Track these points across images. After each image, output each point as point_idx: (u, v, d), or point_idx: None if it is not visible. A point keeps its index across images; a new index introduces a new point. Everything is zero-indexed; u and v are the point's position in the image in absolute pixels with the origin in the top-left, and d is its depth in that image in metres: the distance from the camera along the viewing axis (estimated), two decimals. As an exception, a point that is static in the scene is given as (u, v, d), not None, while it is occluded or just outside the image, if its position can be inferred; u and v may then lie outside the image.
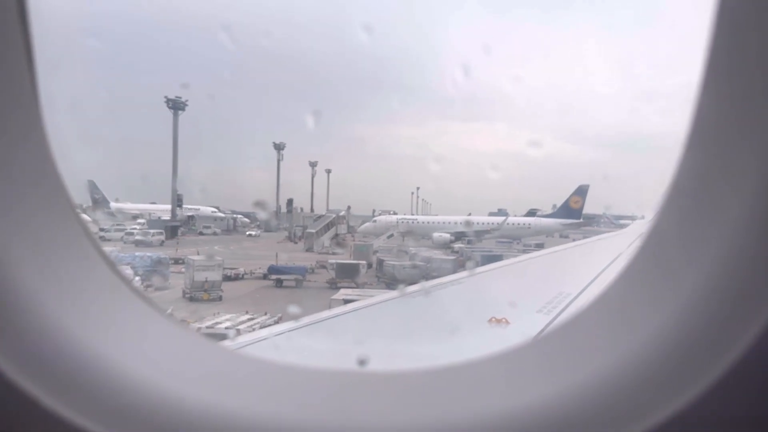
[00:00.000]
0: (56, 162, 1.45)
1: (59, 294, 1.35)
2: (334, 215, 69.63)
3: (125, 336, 1.48)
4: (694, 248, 1.22)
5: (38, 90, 1.39)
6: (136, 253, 41.24)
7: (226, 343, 5.43)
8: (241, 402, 1.39)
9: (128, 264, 35.91)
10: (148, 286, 35.68)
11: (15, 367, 1.22)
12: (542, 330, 5.94)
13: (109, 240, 50.24)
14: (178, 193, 74.16)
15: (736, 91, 1.15)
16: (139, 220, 70.28)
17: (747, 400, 1.14)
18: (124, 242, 52.47)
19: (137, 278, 33.86)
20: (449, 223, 73.65)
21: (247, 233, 76.36)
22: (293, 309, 21.70)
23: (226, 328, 24.50)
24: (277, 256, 47.90)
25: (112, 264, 1.58)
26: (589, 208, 79.80)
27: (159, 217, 74.51)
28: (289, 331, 6.67)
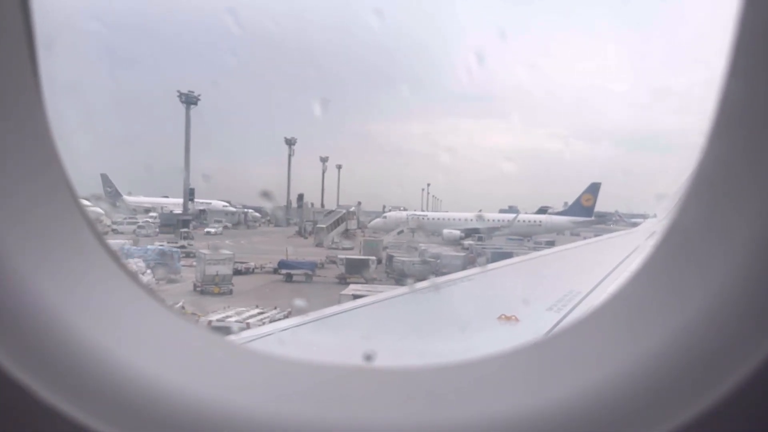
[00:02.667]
0: (59, 153, 1.43)
1: (60, 286, 1.33)
2: (344, 210, 69.73)
3: (127, 329, 1.46)
4: (719, 243, 1.18)
5: (40, 81, 1.37)
6: (148, 247, 41.63)
7: (235, 337, 5.44)
8: (246, 396, 1.38)
9: (140, 257, 36.32)
10: (159, 279, 36.07)
11: (15, 361, 1.20)
12: (552, 328, 5.89)
13: (121, 233, 50.77)
14: (190, 187, 74.63)
15: (759, 85, 1.10)
16: (151, 214, 70.90)
17: None
18: (136, 235, 52.91)
19: (148, 271, 34.22)
20: (459, 219, 73.56)
21: (205, 231, 64.95)
22: (302, 304, 21.77)
23: (236, 321, 24.67)
24: (287, 251, 48.12)
25: (115, 256, 1.57)
26: (601, 206, 79.39)
27: (171, 211, 75.13)
28: (298, 326, 6.68)
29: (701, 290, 1.18)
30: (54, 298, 1.29)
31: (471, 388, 1.45)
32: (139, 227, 57.81)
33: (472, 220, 72.83)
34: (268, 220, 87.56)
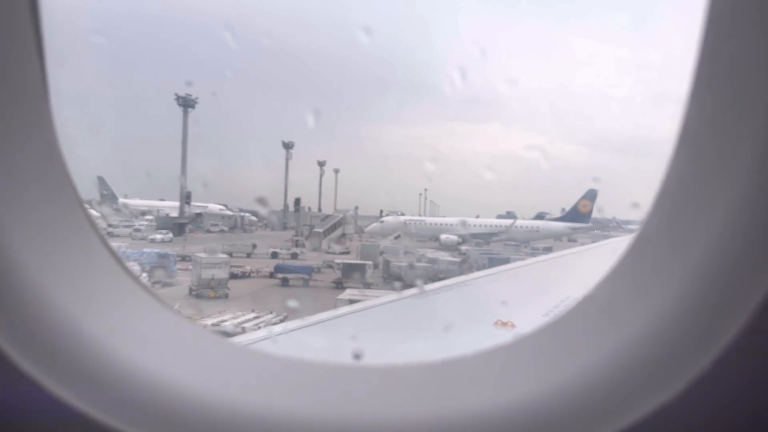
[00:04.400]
0: (63, 155, 1.47)
1: (64, 284, 1.38)
2: (341, 215, 69.73)
3: (129, 327, 1.51)
4: (680, 250, 1.26)
5: (48, 85, 1.41)
6: (144, 250, 41.52)
7: (233, 339, 5.44)
8: (241, 393, 1.43)
9: (136, 260, 36.20)
10: (155, 283, 35.93)
11: (22, 354, 1.25)
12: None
13: (117, 236, 50.65)
14: (187, 190, 74.53)
15: (723, 96, 1.18)
16: (147, 217, 70.74)
17: (728, 396, 1.18)
18: (132, 238, 52.79)
19: (144, 274, 34.11)
20: (457, 224, 73.57)
21: (150, 238, 55.20)
22: (298, 308, 21.77)
23: (232, 326, 24.60)
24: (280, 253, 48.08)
25: (117, 257, 1.61)
26: (598, 212, 79.59)
27: (167, 214, 75.00)
28: (293, 330, 6.66)
29: (664, 294, 1.25)
30: (58, 297, 1.34)
31: (453, 384, 1.51)
32: (135, 230, 57.69)
33: (469, 225, 72.92)
34: (265, 224, 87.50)
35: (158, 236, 57.87)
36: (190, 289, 36.97)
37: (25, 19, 1.32)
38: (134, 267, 33.51)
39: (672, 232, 1.31)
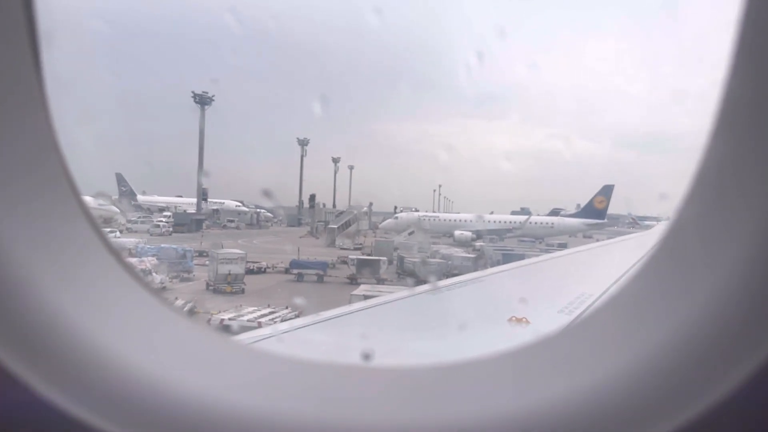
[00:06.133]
0: (60, 147, 1.43)
1: (57, 280, 1.34)
2: (355, 211, 69.89)
3: (125, 325, 1.46)
4: (716, 245, 1.17)
5: (43, 76, 1.38)
6: (162, 245, 42.06)
7: (241, 336, 5.44)
8: (246, 394, 1.38)
9: (153, 255, 36.72)
10: (173, 278, 36.42)
11: (11, 355, 1.21)
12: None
13: (135, 231, 51.39)
14: (204, 187, 75.25)
15: (763, 82, 1.09)
16: (165, 213, 71.59)
17: None
18: (150, 234, 53.48)
19: (162, 269, 34.60)
20: (471, 220, 73.32)
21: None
22: (313, 304, 21.91)
23: (248, 321, 24.86)
24: (299, 250, 48.37)
25: (116, 253, 1.57)
26: (613, 209, 78.80)
27: (185, 210, 75.88)
28: (307, 325, 6.66)
29: (699, 292, 1.17)
30: (50, 293, 1.29)
31: (471, 387, 1.45)
32: (154, 226, 58.44)
33: (483, 221, 72.63)
34: (280, 220, 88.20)
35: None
36: (207, 284, 37.42)
37: (17, 10, 1.28)
38: (152, 262, 34.06)
39: (707, 227, 1.22)
